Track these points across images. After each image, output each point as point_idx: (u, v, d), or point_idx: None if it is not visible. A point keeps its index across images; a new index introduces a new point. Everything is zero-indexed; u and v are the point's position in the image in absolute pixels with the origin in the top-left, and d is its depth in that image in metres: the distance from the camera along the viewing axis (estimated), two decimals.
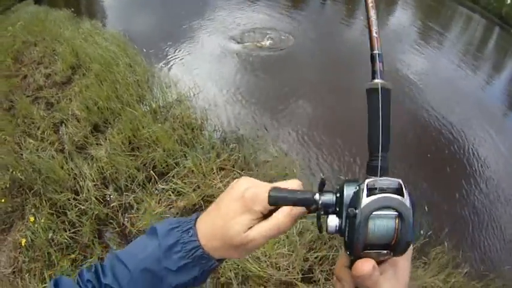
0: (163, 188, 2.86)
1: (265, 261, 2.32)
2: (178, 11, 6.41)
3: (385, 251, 0.46)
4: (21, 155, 3.25)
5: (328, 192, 0.52)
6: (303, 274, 2.29)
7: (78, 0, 8.08)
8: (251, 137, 3.46)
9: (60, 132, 3.64)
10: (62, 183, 2.94)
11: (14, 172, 3.06)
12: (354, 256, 0.47)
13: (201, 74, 4.57)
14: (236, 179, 0.61)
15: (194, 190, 2.77)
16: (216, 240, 0.58)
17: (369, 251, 0.45)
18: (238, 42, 5.30)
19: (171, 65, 4.79)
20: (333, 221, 0.49)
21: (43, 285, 2.44)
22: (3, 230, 2.95)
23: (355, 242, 0.45)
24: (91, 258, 2.61)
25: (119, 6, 7.54)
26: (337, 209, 0.50)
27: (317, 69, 4.86)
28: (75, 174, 3.06)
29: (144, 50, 5.10)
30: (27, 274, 2.56)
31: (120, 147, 3.13)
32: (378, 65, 0.54)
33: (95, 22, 5.73)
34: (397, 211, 0.44)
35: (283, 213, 0.55)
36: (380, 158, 0.50)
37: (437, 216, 3.15)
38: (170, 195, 2.79)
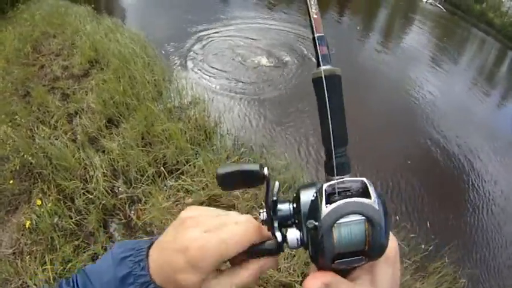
0: (172, 185, 2.97)
1: None
2: (200, 15, 6.68)
3: (358, 258, 0.40)
4: (34, 140, 3.38)
5: (284, 201, 0.47)
6: (303, 277, 2.37)
7: None
8: (261, 143, 3.60)
9: (74, 123, 3.78)
10: (72, 171, 3.06)
11: (25, 156, 3.19)
12: (323, 269, 0.42)
13: (219, 79, 4.78)
14: (184, 210, 0.51)
15: (203, 189, 2.88)
16: (168, 283, 0.50)
17: (340, 261, 0.40)
18: (257, 54, 5.49)
19: (189, 68, 5.01)
20: (292, 234, 0.43)
21: (43, 268, 2.51)
22: (8, 211, 3.06)
23: (321, 255, 0.40)
24: (94, 245, 2.70)
25: (139, 6, 7.88)
26: (296, 220, 0.45)
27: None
28: (86, 164, 3.19)
29: (163, 52, 5.33)
30: (28, 256, 2.64)
31: (133, 141, 3.26)
32: (322, 49, 0.47)
33: (115, 20, 5.97)
34: (364, 215, 0.38)
35: (251, 271, 0.48)
36: (336, 155, 0.44)
37: (439, 231, 3.26)
38: (178, 191, 2.90)
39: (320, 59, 0.46)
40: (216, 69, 5.04)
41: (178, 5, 7.26)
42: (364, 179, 0.41)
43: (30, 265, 2.59)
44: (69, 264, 2.53)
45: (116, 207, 2.92)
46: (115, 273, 0.52)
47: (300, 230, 0.43)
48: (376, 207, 0.39)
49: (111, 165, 3.18)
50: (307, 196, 0.44)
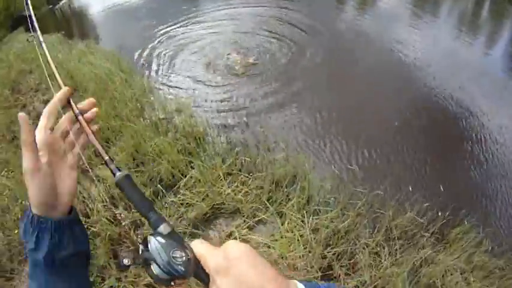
0: (172, 201, 2.92)
1: (283, 263, 2.36)
2: (170, 20, 6.52)
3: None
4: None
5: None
6: (322, 272, 2.32)
7: (69, 22, 8.29)
8: (256, 138, 3.51)
9: None
10: None
11: (23, 202, 3.17)
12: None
13: (200, 82, 4.65)
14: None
15: (203, 199, 2.83)
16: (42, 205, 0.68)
17: None
18: (235, 49, 5.33)
19: (169, 77, 4.89)
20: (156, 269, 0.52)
21: None
22: (20, 261, 3.07)
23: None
24: (109, 278, 2.69)
25: (108, 23, 7.71)
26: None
27: (322, 64, 4.84)
28: (84, 197, 3.16)
29: (139, 64, 5.22)
30: None
31: (125, 165, 3.21)
32: (111, 167, 0.67)
33: (87, 42, 5.88)
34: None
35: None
36: (149, 218, 0.60)
37: (453, 194, 3.15)
38: (179, 207, 2.85)
39: (114, 170, 0.66)
40: (196, 72, 4.91)
41: (146, 15, 7.12)
42: (148, 236, 0.53)
43: None
44: None
45: (122, 236, 2.90)
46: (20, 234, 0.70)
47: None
48: (151, 256, 0.51)
49: (108, 192, 3.14)
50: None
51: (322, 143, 3.54)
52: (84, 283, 0.79)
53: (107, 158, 0.68)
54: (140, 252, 0.53)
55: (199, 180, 2.92)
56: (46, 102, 4.66)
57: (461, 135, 3.86)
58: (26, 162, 0.67)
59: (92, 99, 0.79)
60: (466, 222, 2.83)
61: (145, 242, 0.53)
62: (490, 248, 2.69)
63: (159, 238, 0.52)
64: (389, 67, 4.87)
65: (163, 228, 0.56)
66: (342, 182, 3.12)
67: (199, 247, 0.53)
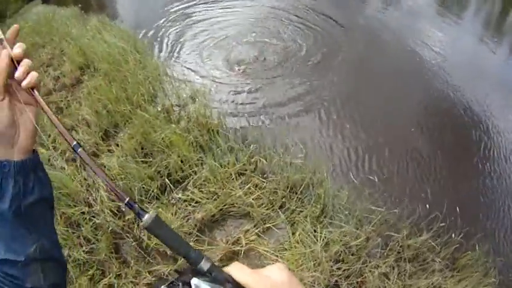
0: (180, 198, 2.77)
1: None
2: (196, 2, 6.20)
3: None
4: None
5: None
6: None
7: None
8: (274, 137, 3.29)
9: None
10: (74, 197, 2.91)
11: None
12: None
13: (218, 68, 4.40)
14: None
15: (214, 199, 2.66)
16: None
17: None
18: (258, 39, 5.01)
19: (186, 60, 4.64)
20: None
21: None
22: None
23: None
24: (109, 274, 2.59)
25: None
26: None
27: (344, 62, 4.52)
28: (88, 184, 3.04)
29: (156, 45, 5.01)
30: None
31: (132, 154, 3.06)
32: (136, 209, 0.62)
33: (102, 18, 5.65)
34: None
35: None
36: (188, 257, 0.58)
37: (470, 218, 2.93)
38: (187, 206, 2.70)
39: (141, 214, 0.61)
40: (215, 58, 4.62)
41: None
42: (193, 281, 0.52)
43: None
44: None
45: (125, 230, 2.77)
46: None
47: None
48: None
49: (113, 182, 3.01)
50: None
51: (342, 149, 3.31)
52: (51, 231, 0.76)
53: (127, 199, 0.63)
54: None
55: (210, 178, 2.75)
56: (57, 78, 4.55)
57: (485, 153, 3.55)
58: None
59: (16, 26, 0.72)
60: (477, 249, 2.62)
61: (187, 283, 0.53)
62: (498, 280, 2.49)
63: (206, 282, 0.53)
64: (408, 69, 4.53)
65: (203, 264, 0.56)
66: (358, 192, 2.90)
67: (242, 275, 0.52)
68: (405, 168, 3.27)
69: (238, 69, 4.34)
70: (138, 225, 2.76)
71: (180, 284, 0.53)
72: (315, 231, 2.50)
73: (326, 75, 4.22)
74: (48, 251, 0.72)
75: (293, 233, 2.51)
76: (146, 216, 0.60)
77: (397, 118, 3.80)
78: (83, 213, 2.85)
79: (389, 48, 4.88)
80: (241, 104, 3.79)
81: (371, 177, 3.11)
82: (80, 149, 0.67)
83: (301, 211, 2.66)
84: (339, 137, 3.41)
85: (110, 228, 2.72)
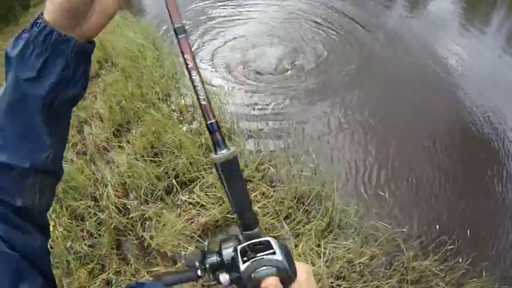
0: (185, 200, 2.77)
1: None
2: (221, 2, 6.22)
3: None
4: None
5: (212, 254, 0.57)
6: None
7: None
8: (286, 145, 3.27)
9: (85, 132, 3.66)
10: (81, 190, 2.94)
11: None
12: None
13: (236, 71, 4.40)
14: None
15: (219, 204, 2.65)
16: (64, 16, 0.50)
17: None
18: (279, 42, 4.98)
19: (204, 60, 4.63)
20: (224, 277, 0.55)
21: None
22: None
23: None
24: (108, 269, 2.60)
25: None
26: (224, 268, 0.56)
27: (366, 80, 4.44)
28: (96, 179, 3.06)
29: (175, 43, 5.03)
30: None
31: (142, 152, 3.08)
32: (216, 136, 0.56)
33: (124, 13, 5.72)
34: (272, 265, 0.51)
35: None
36: (245, 220, 0.58)
37: (479, 242, 2.82)
38: (191, 209, 2.69)
39: (219, 144, 0.56)
40: (233, 61, 4.61)
41: None
42: (269, 239, 0.54)
43: None
44: None
45: (128, 227, 2.78)
46: (11, 61, 0.50)
47: (229, 274, 0.55)
48: (280, 258, 0.52)
49: (121, 179, 3.02)
50: (227, 251, 0.56)
51: (354, 162, 3.25)
52: (66, 139, 0.63)
53: (213, 121, 0.57)
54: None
55: (217, 183, 2.74)
56: None
57: (501, 174, 3.41)
58: None
59: None
60: (484, 275, 2.53)
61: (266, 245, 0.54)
62: None
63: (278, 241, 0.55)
64: (425, 83, 4.42)
65: (257, 230, 0.58)
66: (367, 208, 2.85)
67: None
68: (417, 185, 3.19)
69: (257, 74, 4.32)
70: (141, 224, 2.78)
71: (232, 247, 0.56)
72: (318, 245, 2.47)
73: (344, 86, 4.17)
74: (57, 163, 0.59)
75: (296, 245, 2.48)
76: (225, 151, 0.55)
77: (411, 133, 3.71)
78: (89, 207, 2.87)
79: (407, 61, 4.79)
80: (256, 109, 3.77)
81: (381, 193, 3.05)
82: (182, 35, 0.57)
83: (307, 223, 2.63)
84: (352, 150, 3.36)
85: (113, 225, 2.73)
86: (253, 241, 0.55)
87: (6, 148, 0.52)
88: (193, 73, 0.54)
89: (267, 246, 0.53)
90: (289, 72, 4.40)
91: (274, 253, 0.52)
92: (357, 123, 3.67)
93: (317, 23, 5.41)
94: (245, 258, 0.52)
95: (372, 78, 4.36)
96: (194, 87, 0.55)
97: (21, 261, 0.51)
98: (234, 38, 5.08)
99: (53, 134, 0.55)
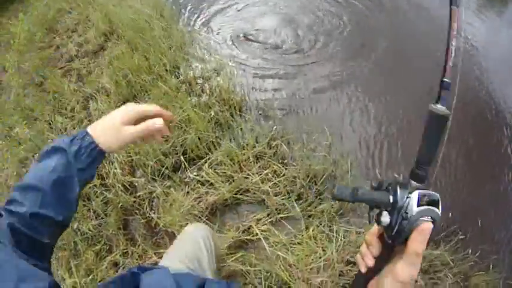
0: (194, 177, 2.60)
1: (297, 273, 2.00)
2: None
3: None
4: (48, 136, 3.19)
5: (384, 191, 0.66)
6: None
7: None
8: (299, 120, 3.02)
9: (91, 107, 3.52)
10: None
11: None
12: (394, 244, 0.65)
13: (248, 43, 4.05)
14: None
15: (229, 182, 2.47)
16: (107, 136, 0.89)
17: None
18: (294, 14, 4.55)
19: (214, 30, 4.32)
20: (386, 217, 0.63)
21: (69, 275, 2.38)
22: None
23: (401, 236, 0.62)
24: (116, 250, 2.49)
25: None
26: (389, 208, 0.64)
27: (386, 58, 3.98)
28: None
29: (184, 12, 4.73)
30: (55, 261, 2.52)
31: None
32: (444, 92, 0.65)
33: None
34: (433, 218, 0.61)
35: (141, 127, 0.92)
36: (425, 170, 0.67)
37: (491, 235, 2.56)
38: (199, 187, 2.53)
39: (441, 100, 0.65)
40: (247, 30, 4.23)
41: None
42: (438, 195, 0.62)
43: (58, 270, 2.47)
44: (91, 276, 2.35)
45: (135, 206, 2.65)
46: (68, 152, 0.84)
47: (391, 215, 0.63)
48: (440, 214, 0.61)
49: (128, 156, 2.88)
50: (403, 194, 0.63)
51: (370, 142, 2.95)
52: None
53: (448, 81, 0.66)
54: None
55: (226, 161, 2.55)
56: (80, 45, 4.44)
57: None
58: (127, 117, 0.91)
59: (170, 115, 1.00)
60: (491, 270, 2.31)
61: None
62: None
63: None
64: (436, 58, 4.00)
65: (423, 186, 0.66)
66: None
67: None
68: (433, 171, 2.87)
69: (269, 46, 3.99)
70: (149, 202, 2.64)
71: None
72: (330, 228, 2.27)
73: (364, 62, 3.80)
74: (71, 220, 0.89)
75: (307, 227, 2.30)
76: (444, 108, 0.64)
77: (423, 112, 3.33)
78: (95, 185, 2.75)
79: (419, 38, 4.31)
80: (268, 82, 3.46)
81: (397, 176, 2.79)
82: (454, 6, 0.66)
83: (319, 204, 2.43)
84: (369, 128, 3.07)
85: (120, 204, 2.60)
86: (430, 192, 0.62)
87: (49, 206, 0.80)
88: (454, 38, 0.64)
89: (435, 201, 0.61)
90: (305, 46, 4.02)
91: (438, 208, 0.61)
92: (375, 103, 3.31)
93: None
94: (419, 204, 0.61)
95: (393, 59, 3.93)
96: (448, 47, 0.64)
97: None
98: (250, 9, 4.70)
99: (78, 200, 0.87)
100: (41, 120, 3.53)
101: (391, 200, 0.63)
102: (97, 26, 4.38)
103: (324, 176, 2.53)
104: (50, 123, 3.46)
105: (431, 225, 0.60)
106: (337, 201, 2.38)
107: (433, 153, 0.65)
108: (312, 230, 2.26)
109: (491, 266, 2.36)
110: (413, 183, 0.66)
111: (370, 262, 0.68)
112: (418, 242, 0.61)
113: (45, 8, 5.34)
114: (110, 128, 0.88)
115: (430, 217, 0.60)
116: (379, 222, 0.64)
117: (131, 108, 0.91)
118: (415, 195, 0.61)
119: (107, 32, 4.33)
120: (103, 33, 4.32)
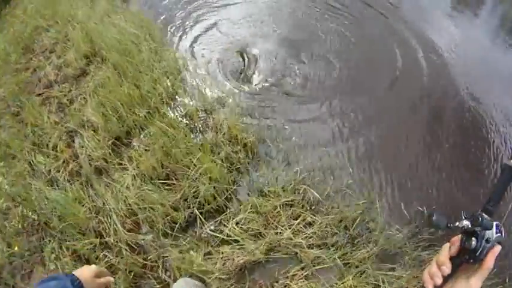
0: (213, 234, 2.29)
1: None
2: None
3: None
4: (30, 184, 2.75)
5: (488, 221, 0.80)
6: None
7: None
8: (318, 158, 2.75)
9: (76, 144, 3.11)
10: (81, 225, 2.43)
11: (25, 211, 2.60)
12: (476, 262, 0.80)
13: (252, 67, 3.68)
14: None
15: (256, 238, 2.18)
16: None
17: None
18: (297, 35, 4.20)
19: (213, 51, 3.92)
20: (474, 241, 0.78)
21: None
22: (23, 276, 2.53)
23: (481, 256, 0.79)
24: None
25: None
26: (477, 235, 0.80)
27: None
28: (97, 210, 2.55)
29: (175, 32, 4.32)
30: None
31: (150, 174, 2.56)
32: None
33: None
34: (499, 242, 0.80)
35: None
36: (495, 207, 0.84)
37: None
38: (220, 244, 2.22)
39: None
40: (247, 48, 3.89)
41: None
42: (499, 224, 0.80)
43: None
44: None
45: (147, 268, 2.30)
46: None
47: (477, 241, 0.79)
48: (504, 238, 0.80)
49: (128, 208, 2.51)
50: (486, 225, 0.78)
51: (392, 180, 2.73)
52: None
53: None
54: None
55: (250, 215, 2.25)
56: (59, 68, 3.98)
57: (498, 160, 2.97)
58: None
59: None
60: (507, 282, 2.19)
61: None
62: None
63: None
64: (418, 61, 3.88)
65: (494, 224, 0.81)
66: (412, 230, 2.40)
67: None
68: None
69: (276, 69, 3.63)
70: (162, 264, 2.29)
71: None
72: (364, 275, 2.06)
73: (374, 92, 3.53)
74: None
75: (343, 276, 2.07)
76: None
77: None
78: (94, 246, 2.37)
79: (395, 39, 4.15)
80: (280, 114, 3.12)
81: (420, 209, 2.60)
82: None
83: (354, 251, 2.20)
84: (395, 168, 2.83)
85: (127, 270, 2.24)
86: (498, 223, 0.80)
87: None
88: None
89: (500, 230, 0.80)
90: (315, 75, 3.60)
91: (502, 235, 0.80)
92: (385, 132, 3.09)
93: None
94: (497, 231, 0.79)
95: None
96: None
97: None
98: (252, 25, 4.35)
99: None
100: (20, 160, 3.08)
101: (480, 229, 0.79)
102: (77, 47, 3.94)
103: (357, 221, 2.31)
104: (30, 163, 3.02)
105: (500, 247, 0.78)
106: (374, 247, 2.18)
107: (502, 196, 0.85)
108: (352, 279, 2.03)
109: (507, 279, 2.22)
110: (485, 215, 0.80)
111: (439, 280, 0.79)
112: (492, 261, 0.78)
113: (21, 26, 4.81)
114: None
115: (498, 241, 0.79)
116: (466, 245, 0.80)
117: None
118: (494, 225, 0.79)
119: (89, 53, 3.90)
120: (84, 55, 3.89)
